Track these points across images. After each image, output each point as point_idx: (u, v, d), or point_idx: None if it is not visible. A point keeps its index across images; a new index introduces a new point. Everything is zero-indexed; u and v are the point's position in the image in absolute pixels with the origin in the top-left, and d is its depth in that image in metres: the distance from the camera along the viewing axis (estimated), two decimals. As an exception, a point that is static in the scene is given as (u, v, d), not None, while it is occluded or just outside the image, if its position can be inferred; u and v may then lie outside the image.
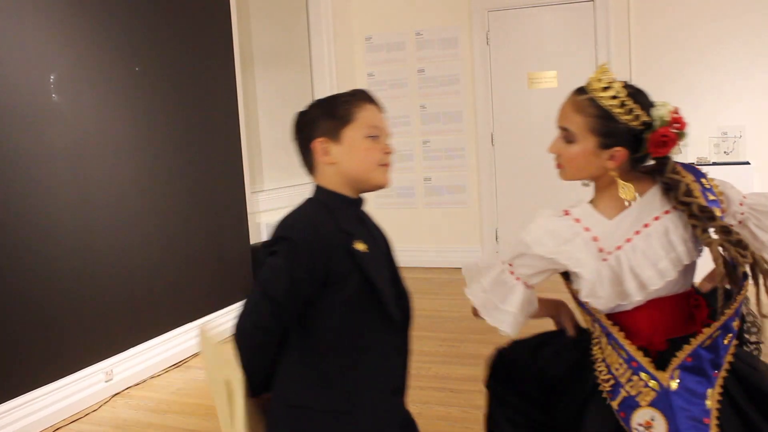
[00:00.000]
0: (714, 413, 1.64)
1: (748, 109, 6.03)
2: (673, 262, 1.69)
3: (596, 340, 1.84)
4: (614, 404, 1.72)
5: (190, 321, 4.79)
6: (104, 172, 4.16)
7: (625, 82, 1.85)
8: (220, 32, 5.17)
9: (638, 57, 6.22)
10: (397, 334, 1.84)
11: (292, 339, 1.77)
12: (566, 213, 1.78)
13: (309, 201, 1.85)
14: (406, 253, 7.04)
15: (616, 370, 1.74)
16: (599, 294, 1.70)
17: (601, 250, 1.72)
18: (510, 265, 1.82)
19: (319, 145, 1.82)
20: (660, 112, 1.78)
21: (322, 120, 1.82)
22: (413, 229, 7.03)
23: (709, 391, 1.65)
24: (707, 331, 1.68)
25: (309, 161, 1.88)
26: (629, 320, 1.76)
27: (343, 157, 1.82)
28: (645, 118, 1.77)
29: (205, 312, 4.93)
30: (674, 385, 1.66)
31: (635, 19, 6.23)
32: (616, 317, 1.77)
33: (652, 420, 1.65)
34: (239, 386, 1.74)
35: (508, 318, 1.80)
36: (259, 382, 1.77)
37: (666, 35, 6.15)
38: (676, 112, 1.80)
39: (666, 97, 6.13)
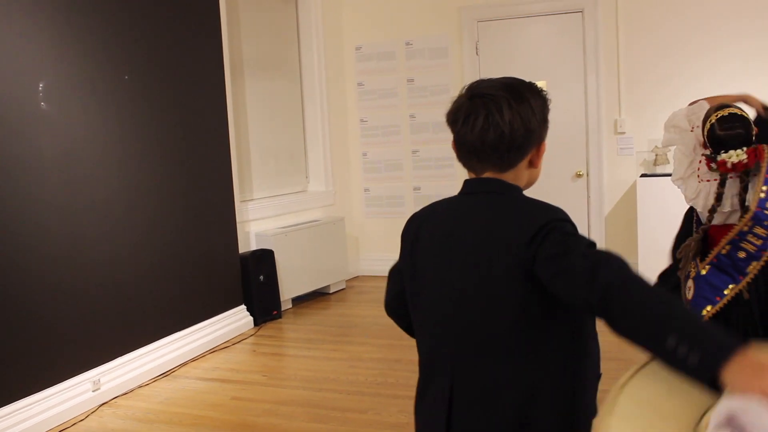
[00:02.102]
0: (727, 298, 2.57)
1: (735, 120, 6.05)
2: None
3: None
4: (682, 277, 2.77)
5: (179, 330, 4.78)
6: (93, 181, 4.15)
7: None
8: (210, 41, 5.17)
9: (626, 67, 6.25)
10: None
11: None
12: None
13: (521, 195, 1.60)
14: (394, 263, 7.03)
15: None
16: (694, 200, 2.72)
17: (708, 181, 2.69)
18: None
19: (543, 147, 1.61)
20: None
21: (544, 123, 1.60)
22: (403, 238, 7.02)
23: (731, 285, 2.57)
24: (719, 246, 2.60)
25: (518, 158, 1.56)
26: (713, 231, 2.65)
27: (539, 163, 1.62)
28: None
29: (193, 321, 4.91)
30: (703, 271, 2.65)
31: (623, 29, 6.26)
32: (710, 228, 2.66)
33: (690, 288, 2.68)
34: None
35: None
36: None
37: (654, 45, 6.18)
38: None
39: (653, 106, 6.21)
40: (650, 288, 1.28)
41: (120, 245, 4.32)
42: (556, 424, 1.50)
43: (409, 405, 3.91)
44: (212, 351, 4.94)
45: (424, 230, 1.63)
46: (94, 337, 4.13)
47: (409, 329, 1.79)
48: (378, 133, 7.14)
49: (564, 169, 6.37)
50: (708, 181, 2.64)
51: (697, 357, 1.18)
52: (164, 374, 4.53)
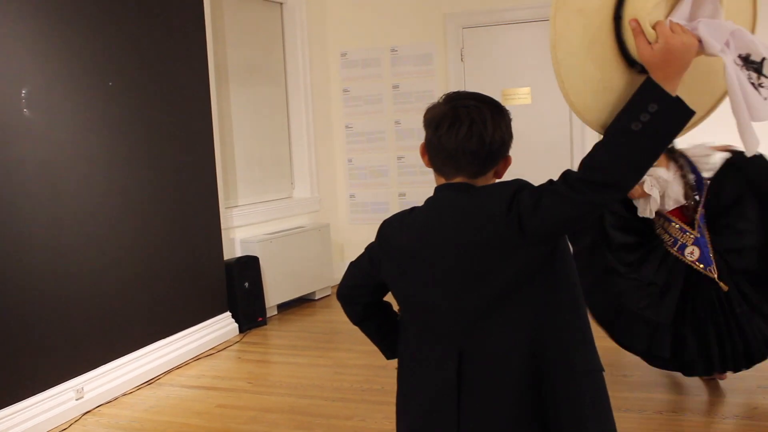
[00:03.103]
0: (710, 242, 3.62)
1: (715, 125, 6.10)
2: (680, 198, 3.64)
3: (659, 228, 3.71)
4: (674, 250, 3.62)
5: (162, 338, 4.75)
6: (77, 188, 4.12)
7: None
8: (195, 47, 5.16)
9: (610, 74, 6.28)
10: None
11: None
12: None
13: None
14: (381, 269, 7.04)
15: (675, 234, 3.63)
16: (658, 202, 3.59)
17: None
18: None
19: (509, 160, 1.75)
20: None
21: (511, 138, 1.74)
22: (388, 244, 7.01)
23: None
24: (699, 213, 3.62)
25: (490, 167, 1.69)
26: (672, 213, 3.66)
27: (503, 173, 1.77)
28: None
29: (177, 328, 4.88)
30: (698, 234, 3.58)
31: (607, 36, 6.29)
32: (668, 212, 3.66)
33: (693, 252, 3.56)
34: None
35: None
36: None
37: (637, 53, 6.23)
38: None
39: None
40: (593, 148, 1.51)
41: (104, 252, 4.30)
42: (567, 378, 1.57)
43: (393, 411, 3.90)
44: (197, 358, 4.92)
45: (403, 230, 1.74)
46: (77, 344, 4.10)
47: (354, 317, 1.95)
48: (363, 139, 7.14)
49: (549, 174, 6.35)
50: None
51: (654, 104, 1.43)
52: (148, 382, 4.50)
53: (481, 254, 1.58)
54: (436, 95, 7.60)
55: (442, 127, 1.65)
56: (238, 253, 5.76)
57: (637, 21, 1.47)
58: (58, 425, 3.87)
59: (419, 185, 6.92)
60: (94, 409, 4.10)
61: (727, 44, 1.45)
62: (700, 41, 1.45)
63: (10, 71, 3.75)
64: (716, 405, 3.60)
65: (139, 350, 4.55)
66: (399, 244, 1.73)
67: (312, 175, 6.81)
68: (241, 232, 5.86)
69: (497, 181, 1.73)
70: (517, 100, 6.46)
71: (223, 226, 5.43)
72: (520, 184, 1.60)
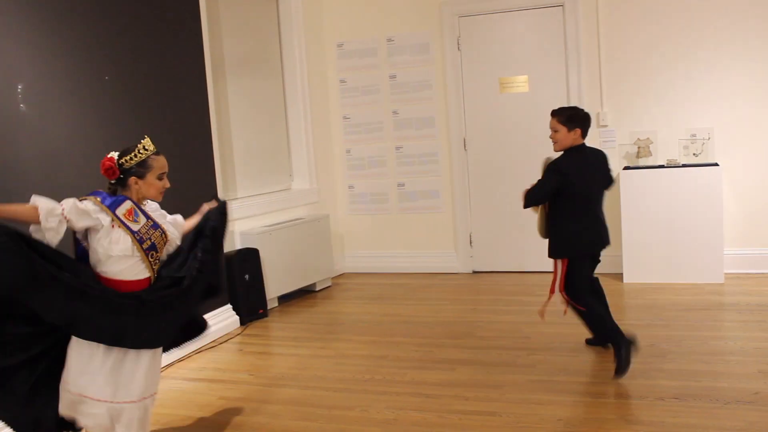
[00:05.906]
0: None
1: (716, 112, 6.10)
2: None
3: None
4: None
5: (164, 331, 4.74)
6: (75, 182, 4.11)
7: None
8: (191, 40, 5.14)
9: (607, 60, 6.28)
10: None
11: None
12: None
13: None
14: (380, 259, 7.03)
15: None
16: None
17: None
18: None
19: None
20: None
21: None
22: (387, 234, 7.03)
23: None
24: None
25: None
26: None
27: None
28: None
29: (179, 322, 4.87)
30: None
31: (603, 22, 6.29)
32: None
33: None
34: None
35: None
36: None
37: (634, 38, 6.21)
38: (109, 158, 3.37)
39: (635, 100, 6.38)
40: None
41: (103, 247, 4.29)
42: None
43: (393, 399, 3.93)
44: (199, 351, 4.93)
45: (570, 162, 4.06)
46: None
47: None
48: (361, 129, 7.13)
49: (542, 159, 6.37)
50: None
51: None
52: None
53: (596, 175, 4.07)
54: (434, 84, 7.61)
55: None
56: (238, 246, 5.76)
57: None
58: (61, 420, 3.88)
59: (418, 174, 6.92)
60: (96, 403, 4.10)
61: None
62: None
63: (6, 66, 3.74)
64: (719, 391, 3.62)
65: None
66: (570, 169, 4.00)
67: (310, 166, 6.80)
68: (241, 224, 5.85)
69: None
70: (514, 88, 6.44)
71: (222, 218, 5.41)
72: (606, 155, 4.24)
